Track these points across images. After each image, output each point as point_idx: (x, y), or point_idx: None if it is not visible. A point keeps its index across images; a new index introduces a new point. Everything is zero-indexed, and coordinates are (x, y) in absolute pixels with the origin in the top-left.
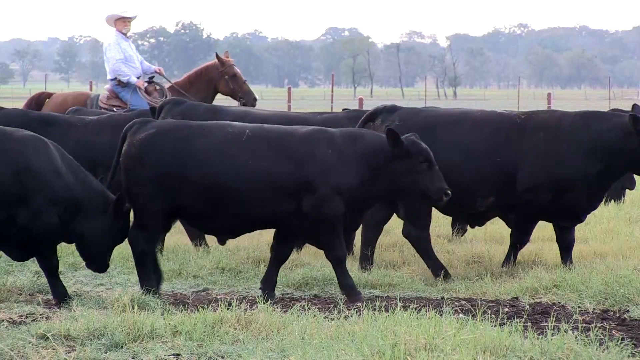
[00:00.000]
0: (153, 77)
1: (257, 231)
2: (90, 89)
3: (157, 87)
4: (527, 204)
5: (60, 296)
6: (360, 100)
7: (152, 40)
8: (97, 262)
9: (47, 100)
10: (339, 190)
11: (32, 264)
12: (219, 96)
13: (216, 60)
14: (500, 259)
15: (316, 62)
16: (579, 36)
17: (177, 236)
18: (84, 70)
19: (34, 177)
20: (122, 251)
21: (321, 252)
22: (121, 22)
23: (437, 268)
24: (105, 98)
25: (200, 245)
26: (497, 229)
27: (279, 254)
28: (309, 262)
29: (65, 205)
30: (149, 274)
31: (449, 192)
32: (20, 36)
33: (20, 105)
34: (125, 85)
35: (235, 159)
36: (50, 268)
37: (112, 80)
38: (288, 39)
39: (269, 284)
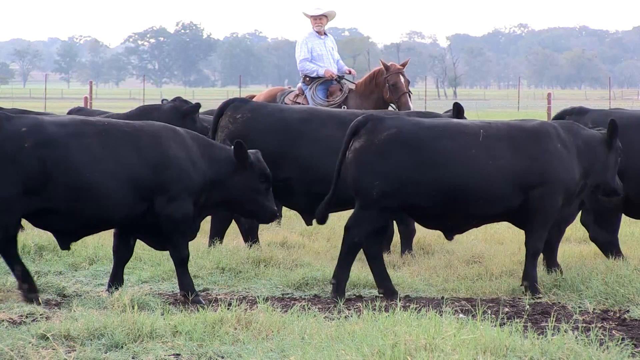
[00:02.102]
0: (342, 77)
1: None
2: (90, 89)
3: (341, 88)
4: None
5: (187, 288)
6: None
7: (152, 40)
8: (264, 211)
9: None
10: (564, 185)
11: (32, 264)
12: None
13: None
14: (500, 259)
15: None
16: (579, 36)
17: None
18: (84, 70)
19: (170, 167)
20: None
21: (321, 252)
22: (314, 20)
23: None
24: (293, 95)
25: (215, 244)
26: (497, 229)
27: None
28: (309, 262)
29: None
30: (349, 267)
31: None
32: (20, 36)
33: (20, 105)
34: (310, 83)
35: (475, 160)
36: (181, 259)
37: (301, 77)
38: (288, 39)
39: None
